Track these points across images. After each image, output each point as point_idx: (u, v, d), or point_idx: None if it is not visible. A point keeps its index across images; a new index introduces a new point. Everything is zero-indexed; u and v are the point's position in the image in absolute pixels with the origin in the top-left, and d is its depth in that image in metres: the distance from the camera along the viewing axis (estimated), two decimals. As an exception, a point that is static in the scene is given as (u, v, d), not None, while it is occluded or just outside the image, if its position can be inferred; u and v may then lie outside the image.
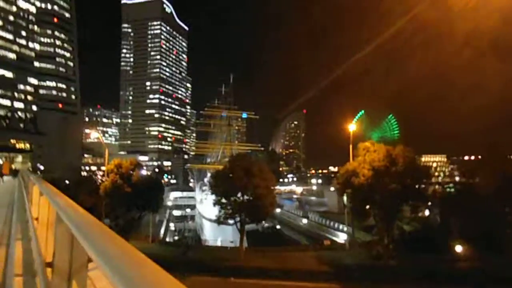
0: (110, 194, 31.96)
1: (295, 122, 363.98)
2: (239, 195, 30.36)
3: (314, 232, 74.78)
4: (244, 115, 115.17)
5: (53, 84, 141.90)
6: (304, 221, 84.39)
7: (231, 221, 33.70)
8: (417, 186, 26.40)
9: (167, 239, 57.58)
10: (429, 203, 38.20)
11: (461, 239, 35.84)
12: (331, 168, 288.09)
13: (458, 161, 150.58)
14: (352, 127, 29.46)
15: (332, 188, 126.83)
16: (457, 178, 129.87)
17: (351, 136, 29.44)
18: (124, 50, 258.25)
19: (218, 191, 30.14)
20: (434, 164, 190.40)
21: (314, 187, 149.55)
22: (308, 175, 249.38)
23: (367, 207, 29.21)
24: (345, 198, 44.56)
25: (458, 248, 34.99)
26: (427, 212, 54.71)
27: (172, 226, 76.98)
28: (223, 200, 30.42)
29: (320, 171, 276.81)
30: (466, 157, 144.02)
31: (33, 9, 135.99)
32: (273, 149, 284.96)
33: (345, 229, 66.60)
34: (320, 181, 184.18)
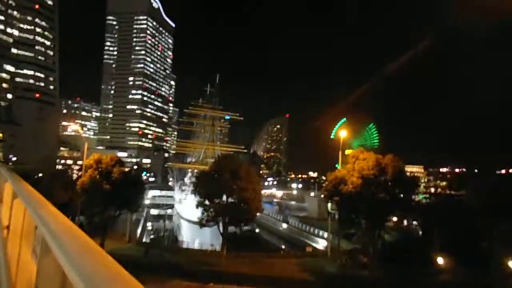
0: (88, 191, 30.27)
1: (278, 126, 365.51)
2: (223, 197, 29.33)
3: (294, 238, 74.40)
4: (227, 117, 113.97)
5: (30, 72, 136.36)
6: (284, 225, 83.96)
7: (212, 224, 32.59)
8: (403, 196, 26.18)
9: (144, 239, 55.77)
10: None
11: (443, 251, 35.97)
12: (311, 173, 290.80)
13: (434, 173, 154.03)
14: (343, 133, 29.03)
15: (312, 194, 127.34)
16: (432, 190, 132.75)
17: (341, 142, 29.08)
18: (108, 43, 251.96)
19: (202, 192, 29.01)
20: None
21: (295, 192, 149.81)
22: (288, 179, 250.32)
23: (353, 215, 28.81)
24: (329, 205, 44.26)
25: (440, 260, 35.09)
26: (404, 222, 55.19)
27: (149, 225, 74.87)
28: (207, 202, 29.29)
29: (300, 175, 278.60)
30: (444, 169, 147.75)
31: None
32: (254, 152, 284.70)
33: (326, 235, 66.57)
34: (300, 185, 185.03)
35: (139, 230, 58.18)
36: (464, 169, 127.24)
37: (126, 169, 35.59)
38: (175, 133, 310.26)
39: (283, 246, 73.74)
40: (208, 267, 31.33)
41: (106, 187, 30.36)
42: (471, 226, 29.61)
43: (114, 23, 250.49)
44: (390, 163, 26.66)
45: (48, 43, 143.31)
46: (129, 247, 39.99)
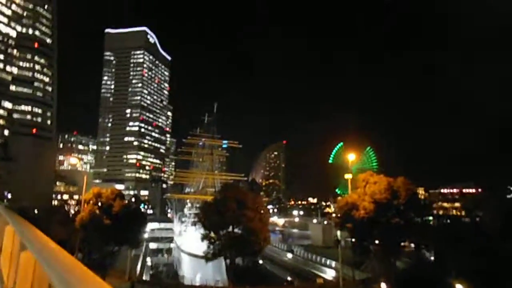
0: (87, 227, 28.84)
1: (275, 153, 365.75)
2: (230, 229, 27.97)
3: (300, 268, 71.65)
4: (225, 145, 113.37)
5: (28, 108, 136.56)
6: (289, 255, 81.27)
7: (216, 257, 30.93)
8: (418, 220, 25.05)
9: (144, 277, 53.28)
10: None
11: (460, 277, 34.23)
12: (310, 199, 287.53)
13: (435, 194, 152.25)
14: (352, 157, 28.21)
15: (315, 221, 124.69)
16: (441, 212, 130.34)
17: (350, 165, 28.18)
18: (106, 78, 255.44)
19: (206, 224, 27.66)
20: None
21: (296, 219, 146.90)
22: (288, 206, 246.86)
23: (366, 242, 27.44)
24: (338, 232, 42.73)
25: (458, 286, 33.27)
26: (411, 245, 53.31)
27: (148, 261, 72.05)
28: (212, 234, 27.89)
29: (299, 202, 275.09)
30: (445, 190, 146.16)
31: (13, 33, 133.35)
32: (253, 179, 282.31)
33: (333, 264, 64.15)
34: (302, 212, 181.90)
35: (138, 266, 55.76)
36: (472, 190, 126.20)
37: (126, 202, 34.23)
38: (173, 163, 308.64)
39: (289, 278, 70.91)
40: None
41: (107, 222, 28.96)
42: (491, 249, 28.23)
43: (112, 58, 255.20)
44: (403, 186, 25.72)
45: (46, 79, 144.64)
46: (129, 286, 37.92)
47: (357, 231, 24.95)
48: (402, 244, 27.35)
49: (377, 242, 27.44)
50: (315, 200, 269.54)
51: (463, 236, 32.47)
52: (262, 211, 28.89)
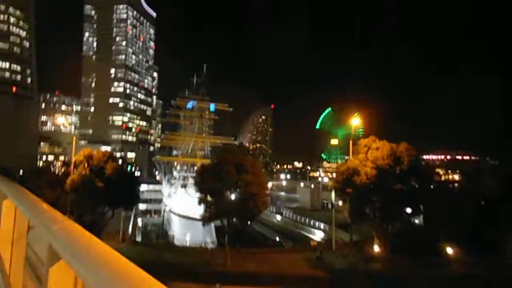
0: (78, 189, 27.76)
1: (263, 117, 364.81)
2: (228, 193, 27.38)
3: (289, 229, 73.22)
4: (212, 108, 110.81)
5: (6, 65, 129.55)
6: (278, 217, 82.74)
7: (213, 220, 30.60)
8: (420, 187, 24.85)
9: (136, 237, 53.35)
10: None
11: (451, 241, 35.01)
12: (296, 164, 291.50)
13: (434, 160, 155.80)
14: (355, 121, 27.32)
15: (302, 184, 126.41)
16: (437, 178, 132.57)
17: (352, 130, 27.35)
18: (87, 34, 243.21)
19: (204, 188, 26.95)
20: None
21: (284, 183, 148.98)
22: (275, 170, 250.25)
23: (366, 208, 27.37)
24: (333, 195, 42.98)
25: (449, 250, 34.09)
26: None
27: (139, 221, 72.22)
28: (209, 198, 27.28)
29: (285, 166, 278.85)
30: (438, 156, 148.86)
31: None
32: (241, 143, 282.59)
33: (322, 226, 65.54)
34: (288, 176, 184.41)
35: (130, 227, 55.68)
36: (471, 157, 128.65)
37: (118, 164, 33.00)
38: (159, 125, 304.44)
39: (277, 238, 72.54)
40: (212, 267, 29.45)
41: (99, 184, 27.90)
42: (484, 214, 28.60)
43: (93, 13, 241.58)
44: (405, 152, 25.27)
45: (23, 34, 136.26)
46: (124, 247, 37.70)
47: (357, 197, 24.71)
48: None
49: (378, 208, 27.44)
50: (300, 165, 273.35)
51: (456, 201, 32.72)
52: (261, 175, 28.28)
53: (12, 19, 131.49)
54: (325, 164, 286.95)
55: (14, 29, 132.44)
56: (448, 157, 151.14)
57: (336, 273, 27.76)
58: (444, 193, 32.90)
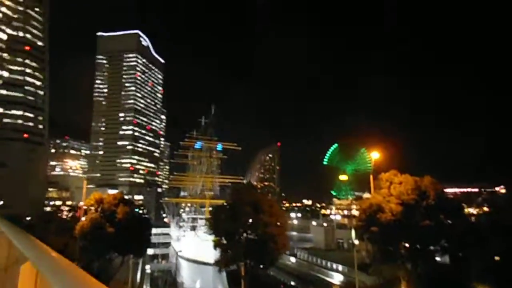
0: (88, 235, 26.50)
1: (270, 155, 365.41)
2: (244, 235, 25.87)
3: (305, 272, 69.61)
4: (220, 147, 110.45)
5: (19, 113, 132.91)
6: (292, 259, 79.16)
7: (230, 265, 28.75)
8: (449, 222, 23.29)
9: (145, 286, 50.76)
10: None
11: (482, 279, 32.46)
12: (305, 201, 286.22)
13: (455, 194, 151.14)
14: (375, 155, 26.35)
15: (314, 223, 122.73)
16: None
17: (372, 165, 26.25)
18: (98, 81, 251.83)
19: (219, 230, 25.55)
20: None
21: (295, 221, 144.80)
22: (284, 208, 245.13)
23: (391, 247, 25.57)
24: (353, 234, 40.90)
25: (483, 292, 31.47)
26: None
27: (147, 268, 69.27)
28: (225, 241, 25.76)
29: (294, 204, 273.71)
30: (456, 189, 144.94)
31: (4, 36, 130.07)
32: (249, 182, 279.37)
33: (340, 268, 62.17)
34: (299, 215, 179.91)
35: (138, 275, 53.19)
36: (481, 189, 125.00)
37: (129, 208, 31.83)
38: (167, 167, 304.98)
39: (292, 283, 68.75)
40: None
41: (110, 230, 26.65)
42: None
43: (104, 61, 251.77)
44: (430, 185, 23.97)
45: (38, 83, 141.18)
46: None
47: (383, 234, 23.12)
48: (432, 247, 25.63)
49: (407, 245, 25.62)
50: (309, 202, 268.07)
51: (485, 237, 30.67)
52: (279, 215, 26.86)
53: (28, 70, 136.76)
54: (336, 201, 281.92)
55: (29, 79, 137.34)
56: (462, 190, 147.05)
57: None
58: (473, 228, 30.86)
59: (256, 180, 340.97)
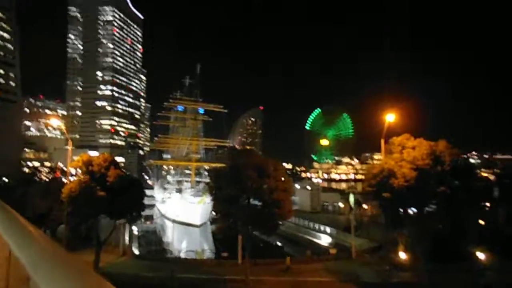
0: (77, 199, 24.41)
1: (252, 119, 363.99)
2: (247, 201, 24.40)
3: (292, 234, 70.25)
4: (201, 110, 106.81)
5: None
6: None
7: (231, 231, 27.52)
8: (465, 188, 22.53)
9: (135, 250, 49.51)
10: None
11: (481, 244, 32.62)
12: (285, 165, 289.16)
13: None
14: (391, 117, 24.80)
15: (297, 186, 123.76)
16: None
17: (385, 129, 24.88)
18: (72, 36, 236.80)
19: (221, 196, 23.96)
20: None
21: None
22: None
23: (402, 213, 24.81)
24: (351, 199, 40.43)
25: (481, 255, 31.65)
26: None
27: (135, 229, 68.12)
28: (226, 207, 24.24)
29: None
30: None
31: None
32: (233, 146, 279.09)
33: (328, 230, 62.85)
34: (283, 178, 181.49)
35: (127, 237, 51.84)
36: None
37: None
38: (148, 129, 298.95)
39: (278, 243, 69.46)
40: (227, 283, 26.34)
41: (100, 194, 24.59)
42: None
43: (78, 14, 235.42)
44: (446, 150, 22.88)
45: (6, 35, 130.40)
46: (127, 262, 34.27)
47: (395, 200, 22.25)
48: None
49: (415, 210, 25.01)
50: (289, 166, 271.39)
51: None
52: (285, 180, 25.43)
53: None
54: (316, 165, 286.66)
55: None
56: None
57: (369, 287, 25.11)
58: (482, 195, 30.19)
59: (238, 143, 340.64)
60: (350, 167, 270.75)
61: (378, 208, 26.86)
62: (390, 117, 24.24)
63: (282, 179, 24.27)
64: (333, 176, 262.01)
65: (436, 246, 31.34)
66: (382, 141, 25.43)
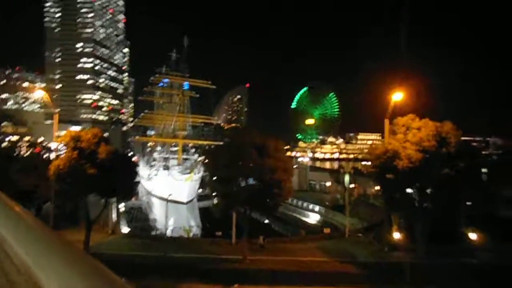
0: (64, 177, 22.96)
1: (238, 96, 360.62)
2: (245, 180, 23.53)
3: (280, 212, 70.58)
4: (187, 86, 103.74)
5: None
6: (267, 200, 79.83)
7: (229, 211, 26.77)
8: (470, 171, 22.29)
9: (122, 227, 48.64)
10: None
11: (471, 225, 33.03)
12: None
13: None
14: (398, 96, 23.98)
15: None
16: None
17: (390, 108, 24.10)
18: (48, 4, 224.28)
19: (219, 175, 22.97)
20: (370, 142, 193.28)
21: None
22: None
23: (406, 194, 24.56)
24: (346, 178, 40.22)
25: (472, 236, 32.06)
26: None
27: (121, 207, 66.87)
28: (225, 187, 23.34)
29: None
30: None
31: None
32: (218, 124, 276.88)
33: (316, 208, 63.21)
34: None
35: (114, 215, 50.68)
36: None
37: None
38: (132, 104, 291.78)
39: (266, 221, 69.71)
40: (224, 263, 25.85)
41: (91, 171, 23.19)
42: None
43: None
44: (451, 132, 22.42)
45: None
46: (117, 240, 33.32)
47: (399, 183, 21.83)
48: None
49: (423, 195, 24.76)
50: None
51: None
52: (286, 160, 24.59)
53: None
54: (301, 144, 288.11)
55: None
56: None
57: (370, 268, 25.03)
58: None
59: (223, 121, 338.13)
60: (334, 146, 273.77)
61: (379, 189, 26.50)
62: (397, 96, 23.45)
63: (284, 159, 23.34)
64: (317, 155, 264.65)
65: (433, 227, 31.47)
66: (386, 121, 24.75)
